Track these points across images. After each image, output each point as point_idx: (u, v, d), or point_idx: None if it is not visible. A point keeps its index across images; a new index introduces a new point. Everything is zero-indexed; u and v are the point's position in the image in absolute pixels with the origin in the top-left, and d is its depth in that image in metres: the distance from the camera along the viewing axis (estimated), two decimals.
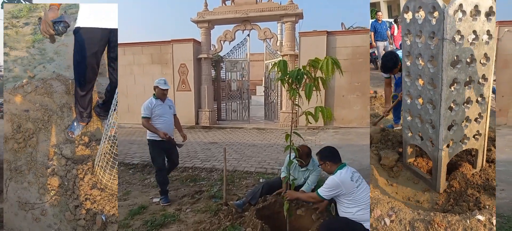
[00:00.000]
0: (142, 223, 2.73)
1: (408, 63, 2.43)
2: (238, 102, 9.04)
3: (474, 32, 2.15)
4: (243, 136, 7.15)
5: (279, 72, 2.09)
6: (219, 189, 3.61)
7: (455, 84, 2.19)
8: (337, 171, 2.20)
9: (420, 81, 2.38)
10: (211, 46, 8.52)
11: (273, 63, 8.10)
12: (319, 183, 3.43)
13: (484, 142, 2.49)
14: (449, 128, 2.29)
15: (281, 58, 7.78)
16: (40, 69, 3.30)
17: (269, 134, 7.29)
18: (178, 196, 3.45)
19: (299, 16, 7.74)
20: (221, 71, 9.06)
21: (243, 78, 8.92)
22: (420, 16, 2.22)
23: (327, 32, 7.39)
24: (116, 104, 2.19)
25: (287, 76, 2.06)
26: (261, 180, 3.88)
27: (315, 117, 1.93)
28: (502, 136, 5.23)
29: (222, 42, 8.44)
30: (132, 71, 8.87)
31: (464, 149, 2.41)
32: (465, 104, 2.30)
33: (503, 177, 3.52)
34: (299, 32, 7.75)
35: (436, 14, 2.10)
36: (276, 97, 8.51)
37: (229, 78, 9.03)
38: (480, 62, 2.24)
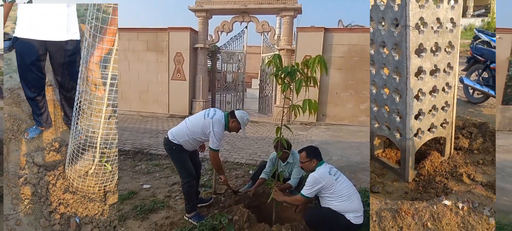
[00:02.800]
0: (132, 208, 2.77)
1: (372, 52, 2.36)
2: (232, 94, 9.05)
3: (438, 19, 2.13)
4: None
5: (274, 67, 2.16)
6: (209, 178, 3.67)
7: (421, 73, 2.18)
8: (316, 168, 2.29)
9: (385, 70, 2.34)
10: (208, 36, 8.46)
11: (268, 57, 8.10)
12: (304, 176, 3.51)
13: (452, 130, 2.51)
14: (416, 117, 2.29)
15: (278, 52, 7.80)
16: (6, 80, 3.22)
17: (262, 127, 7.35)
18: (168, 184, 3.49)
19: (298, 11, 7.74)
20: (217, 62, 9.02)
21: (239, 71, 8.91)
22: (381, 2, 2.17)
23: (325, 28, 7.41)
24: (115, 107, 2.16)
25: (280, 72, 2.13)
26: (250, 172, 3.95)
27: (303, 108, 2.02)
28: None
29: (219, 32, 8.39)
30: (126, 57, 8.77)
31: (432, 137, 2.43)
32: (431, 93, 2.29)
33: None
34: (297, 27, 7.76)
35: (398, 0, 2.06)
36: (270, 91, 8.54)
37: (225, 69, 9.01)
38: (445, 50, 2.21)
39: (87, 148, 2.15)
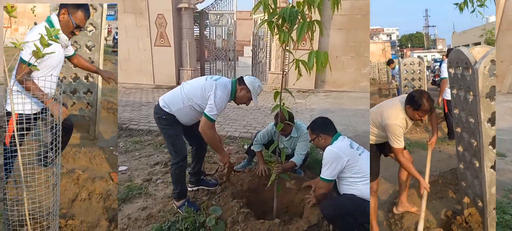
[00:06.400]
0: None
1: (460, 118, 2.08)
2: (223, 62, 8.35)
3: None
4: None
5: (266, 13, 1.59)
6: None
7: None
8: (333, 142, 1.82)
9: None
10: None
11: (261, 18, 7.32)
12: (312, 151, 3.05)
13: None
14: None
15: None
16: None
17: None
18: (149, 164, 2.98)
19: None
20: (206, 29, 8.19)
21: (230, 35, 8.12)
22: (460, 70, 1.92)
23: None
24: None
25: (277, 17, 1.59)
26: (245, 146, 3.46)
27: (309, 63, 1.48)
28: (499, 103, 5.01)
29: None
30: None
31: None
32: None
33: (510, 146, 3.28)
34: None
35: (470, 70, 1.78)
36: (264, 57, 7.88)
37: (214, 34, 8.21)
38: None
39: None
